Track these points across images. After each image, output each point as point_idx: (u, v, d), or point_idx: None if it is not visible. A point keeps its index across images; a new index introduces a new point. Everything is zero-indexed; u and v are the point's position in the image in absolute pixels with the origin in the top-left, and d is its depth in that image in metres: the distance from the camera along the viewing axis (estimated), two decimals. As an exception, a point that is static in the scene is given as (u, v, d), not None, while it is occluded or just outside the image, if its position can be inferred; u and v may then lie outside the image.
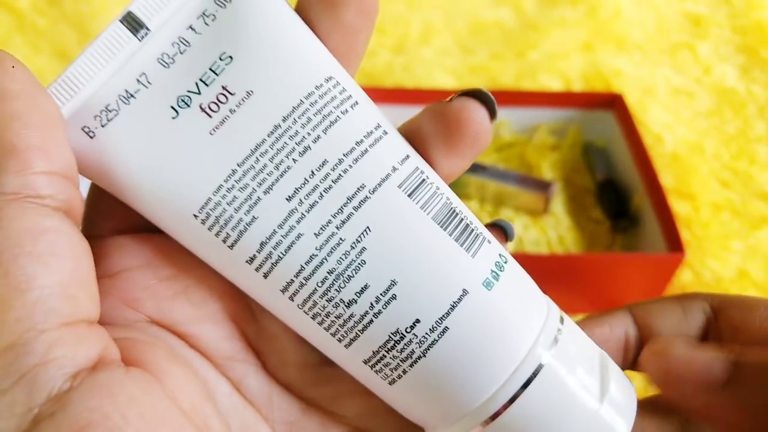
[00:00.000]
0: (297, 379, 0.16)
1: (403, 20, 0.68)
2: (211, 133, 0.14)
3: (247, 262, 0.15)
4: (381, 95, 0.53)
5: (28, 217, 0.11)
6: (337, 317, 0.15)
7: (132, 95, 0.14)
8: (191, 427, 0.12)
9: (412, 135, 0.16)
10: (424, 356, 0.15)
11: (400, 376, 0.15)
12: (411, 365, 0.15)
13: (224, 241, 0.14)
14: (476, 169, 0.51)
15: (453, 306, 0.15)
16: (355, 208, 0.14)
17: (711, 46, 0.69)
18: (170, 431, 0.11)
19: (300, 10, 0.15)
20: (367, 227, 0.14)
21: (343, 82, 0.15)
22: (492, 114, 0.15)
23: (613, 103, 0.57)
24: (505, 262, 0.16)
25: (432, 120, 0.16)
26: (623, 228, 0.50)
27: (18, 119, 0.11)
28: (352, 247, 0.14)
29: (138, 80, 0.14)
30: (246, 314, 0.16)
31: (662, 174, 0.51)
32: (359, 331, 0.15)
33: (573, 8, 0.72)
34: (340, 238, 0.14)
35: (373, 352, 0.15)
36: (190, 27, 0.15)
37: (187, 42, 0.15)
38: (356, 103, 0.15)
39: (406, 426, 0.16)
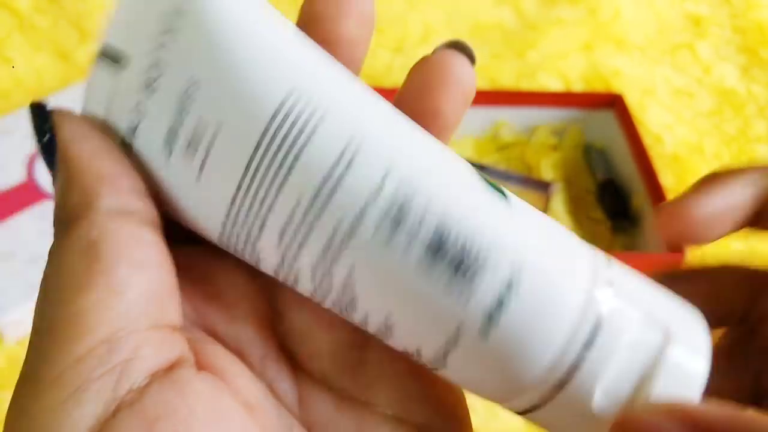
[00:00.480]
0: (329, 368, 0.16)
1: (402, 21, 0.68)
2: (200, 170, 0.14)
3: None
4: (381, 95, 0.53)
5: (126, 230, 0.13)
6: None
7: (136, 127, 0.14)
8: (254, 425, 0.13)
9: (405, 96, 0.16)
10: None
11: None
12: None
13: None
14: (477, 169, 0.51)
15: (450, 343, 0.14)
16: (340, 247, 0.13)
17: (711, 47, 0.69)
18: (235, 427, 0.12)
19: (300, 24, 0.15)
20: (353, 265, 0.14)
21: (307, 91, 0.14)
22: (471, 60, 0.16)
23: (613, 104, 0.57)
24: (518, 275, 0.14)
25: (418, 74, 0.16)
26: (623, 228, 0.50)
27: (97, 153, 0.13)
28: (345, 286, 0.14)
29: (137, 109, 0.14)
30: (274, 314, 0.16)
31: (662, 174, 0.51)
32: None
33: (573, 8, 0.72)
34: (332, 277, 0.14)
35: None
36: (162, 45, 0.14)
37: (164, 62, 0.14)
38: (323, 117, 0.14)
39: (442, 411, 0.16)
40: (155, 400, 0.11)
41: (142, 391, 0.11)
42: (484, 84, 0.63)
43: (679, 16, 0.73)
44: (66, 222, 0.13)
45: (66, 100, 0.52)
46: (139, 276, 0.12)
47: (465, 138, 0.55)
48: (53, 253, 0.13)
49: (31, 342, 0.12)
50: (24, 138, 0.49)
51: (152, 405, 0.11)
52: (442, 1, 0.72)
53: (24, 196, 0.45)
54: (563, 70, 0.65)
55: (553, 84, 0.63)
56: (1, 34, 0.62)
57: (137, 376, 0.11)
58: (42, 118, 0.14)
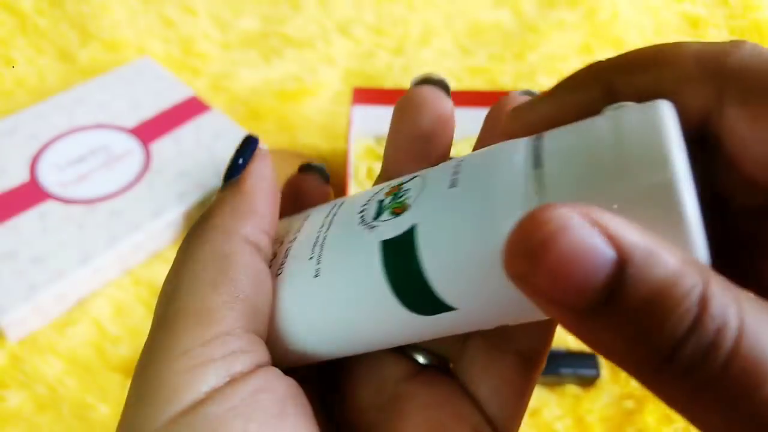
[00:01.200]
0: (366, 417, 0.17)
1: (402, 21, 0.69)
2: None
3: None
4: (381, 96, 0.54)
5: (255, 258, 0.16)
6: None
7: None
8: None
9: (391, 143, 0.18)
10: None
11: None
12: None
13: None
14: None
15: None
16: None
17: (709, 48, 0.69)
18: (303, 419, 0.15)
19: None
20: None
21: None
22: (447, 92, 0.18)
23: (611, 104, 0.57)
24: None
25: (397, 114, 0.18)
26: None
27: (263, 193, 0.17)
28: None
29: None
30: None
31: (660, 174, 0.51)
32: None
33: (571, 10, 0.72)
34: None
35: None
36: None
37: None
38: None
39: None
40: (260, 379, 0.14)
41: (248, 374, 0.14)
42: (483, 85, 0.63)
43: (676, 17, 0.73)
44: (207, 230, 0.16)
45: (67, 100, 0.53)
46: (251, 291, 0.15)
47: (465, 138, 0.55)
48: (187, 253, 0.16)
49: (160, 321, 0.15)
50: (26, 138, 0.49)
51: (256, 382, 0.14)
52: (442, 3, 0.72)
53: (26, 196, 0.45)
54: (562, 72, 0.65)
55: (552, 85, 0.63)
56: (3, 35, 0.62)
57: (246, 363, 0.14)
58: (250, 147, 0.17)
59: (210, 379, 0.14)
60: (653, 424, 0.40)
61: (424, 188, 0.15)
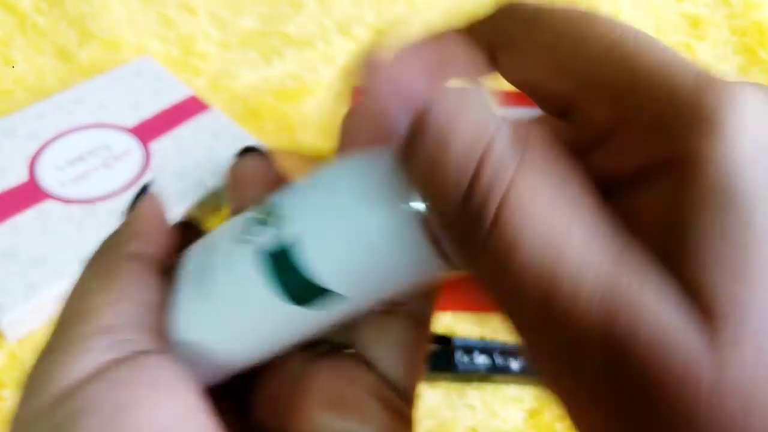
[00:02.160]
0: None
1: (402, 21, 0.69)
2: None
3: None
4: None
5: (135, 268, 0.18)
6: None
7: None
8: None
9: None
10: None
11: None
12: None
13: None
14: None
15: None
16: None
17: (710, 47, 0.69)
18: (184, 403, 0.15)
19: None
20: None
21: None
22: (262, 155, 0.20)
23: (612, 104, 0.57)
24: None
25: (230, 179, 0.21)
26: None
27: (149, 222, 0.19)
28: None
29: None
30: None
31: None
32: None
33: (572, 9, 0.72)
34: None
35: None
36: None
37: None
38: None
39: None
40: (141, 362, 0.15)
41: (132, 358, 0.15)
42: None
43: (677, 16, 0.73)
44: (96, 251, 0.18)
45: (66, 99, 0.52)
46: (135, 291, 0.17)
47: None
48: (88, 265, 0.18)
49: (56, 322, 0.17)
50: (25, 138, 0.49)
51: (139, 364, 0.15)
52: (442, 2, 0.72)
53: (25, 196, 0.45)
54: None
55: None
56: (2, 35, 0.62)
57: (127, 349, 0.16)
58: (143, 191, 0.20)
59: (86, 364, 0.15)
60: (654, 424, 0.40)
61: (293, 197, 0.16)
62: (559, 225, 0.12)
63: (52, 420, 0.14)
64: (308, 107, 0.58)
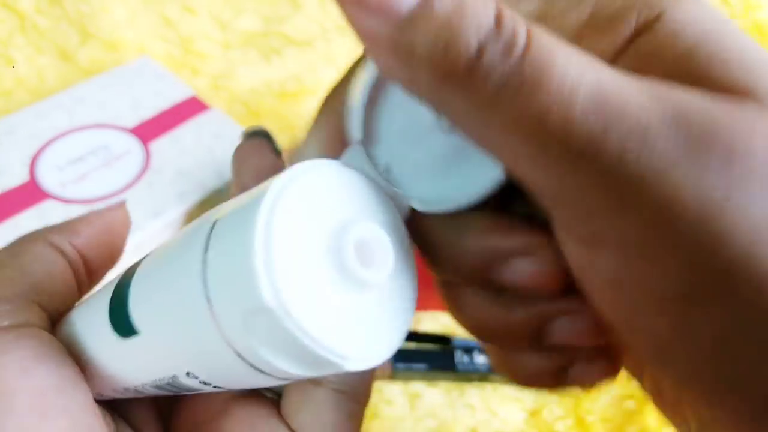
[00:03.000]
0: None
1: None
2: None
3: None
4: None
5: (51, 252, 0.19)
6: None
7: None
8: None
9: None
10: None
11: None
12: None
13: None
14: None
15: None
16: None
17: (710, 47, 0.69)
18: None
19: None
20: None
21: None
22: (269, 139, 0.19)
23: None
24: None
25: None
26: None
27: (80, 219, 0.21)
28: None
29: None
30: None
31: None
32: None
33: (572, 9, 0.72)
34: None
35: None
36: None
37: None
38: None
39: None
40: (18, 331, 0.16)
41: (10, 327, 0.16)
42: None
43: (678, 17, 0.73)
44: (34, 232, 0.20)
45: (66, 99, 0.52)
46: (38, 271, 0.19)
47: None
48: (13, 241, 0.20)
49: None
50: (26, 138, 0.49)
51: (15, 333, 0.16)
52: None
53: (25, 196, 0.45)
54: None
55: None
56: (2, 34, 0.62)
57: (9, 318, 0.16)
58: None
59: None
60: (654, 424, 0.40)
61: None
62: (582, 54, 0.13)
63: None
64: (308, 107, 0.58)
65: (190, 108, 0.53)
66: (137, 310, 0.15)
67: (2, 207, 0.44)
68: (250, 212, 0.12)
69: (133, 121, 0.51)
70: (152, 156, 0.49)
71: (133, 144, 0.50)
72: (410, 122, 0.15)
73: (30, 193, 0.46)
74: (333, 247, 0.13)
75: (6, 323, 0.16)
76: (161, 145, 0.50)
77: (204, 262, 0.13)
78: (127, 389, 0.17)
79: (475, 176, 0.15)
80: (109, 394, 0.18)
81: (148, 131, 0.51)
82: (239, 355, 0.13)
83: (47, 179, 0.46)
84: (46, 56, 0.61)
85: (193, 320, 0.14)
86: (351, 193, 0.15)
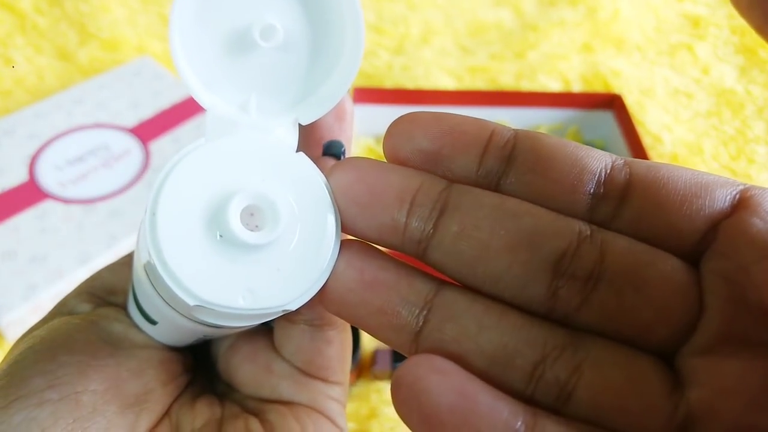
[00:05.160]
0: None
1: (402, 21, 0.69)
2: None
3: None
4: (381, 95, 0.53)
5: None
6: None
7: None
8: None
9: None
10: None
11: None
12: None
13: None
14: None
15: None
16: None
17: (710, 47, 0.69)
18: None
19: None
20: None
21: None
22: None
23: (612, 104, 0.57)
24: None
25: None
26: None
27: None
28: None
29: None
30: None
31: (661, 174, 0.51)
32: None
33: (572, 9, 0.72)
34: None
35: None
36: None
37: None
38: None
39: None
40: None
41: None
42: (484, 84, 0.63)
43: (677, 16, 0.73)
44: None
45: (66, 99, 0.52)
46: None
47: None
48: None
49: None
50: (25, 138, 0.49)
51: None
52: (442, 2, 0.72)
53: (25, 196, 0.45)
54: (563, 71, 0.65)
55: (552, 84, 0.63)
56: (2, 35, 0.62)
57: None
58: None
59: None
60: None
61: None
62: None
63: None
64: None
65: (190, 108, 0.53)
66: (146, 308, 0.19)
67: (2, 207, 0.44)
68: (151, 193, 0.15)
69: (132, 120, 0.51)
70: (152, 156, 0.49)
71: (133, 144, 0.50)
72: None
73: (29, 192, 0.45)
74: (218, 213, 0.15)
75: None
76: (161, 145, 0.50)
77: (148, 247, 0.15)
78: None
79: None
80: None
81: (147, 131, 0.51)
82: (183, 316, 0.16)
83: (47, 179, 0.46)
84: (45, 56, 0.61)
85: (164, 305, 0.17)
86: (256, 161, 0.16)
